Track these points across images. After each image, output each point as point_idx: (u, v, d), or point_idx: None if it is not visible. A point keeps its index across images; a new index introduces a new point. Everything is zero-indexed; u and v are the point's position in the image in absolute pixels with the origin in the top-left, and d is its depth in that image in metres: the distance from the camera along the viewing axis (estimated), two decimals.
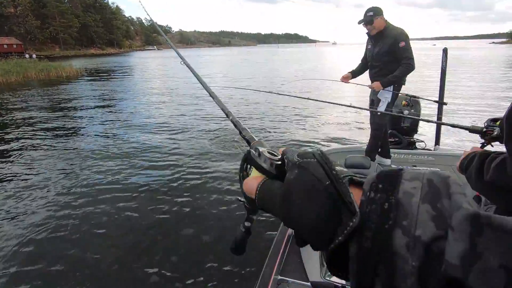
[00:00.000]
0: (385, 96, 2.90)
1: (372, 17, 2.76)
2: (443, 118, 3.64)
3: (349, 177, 0.31)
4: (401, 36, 2.71)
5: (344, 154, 3.27)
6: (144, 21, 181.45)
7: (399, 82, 2.83)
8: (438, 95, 3.47)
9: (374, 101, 3.02)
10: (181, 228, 3.14)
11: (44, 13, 71.88)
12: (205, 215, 3.37)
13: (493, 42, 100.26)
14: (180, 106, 10.07)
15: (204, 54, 69.33)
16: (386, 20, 2.83)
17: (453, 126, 1.52)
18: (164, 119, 8.27)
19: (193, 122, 7.87)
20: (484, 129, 1.25)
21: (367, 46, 3.05)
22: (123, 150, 5.60)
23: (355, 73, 3.16)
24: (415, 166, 2.95)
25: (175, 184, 4.12)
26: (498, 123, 1.22)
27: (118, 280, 2.46)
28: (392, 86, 2.89)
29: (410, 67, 2.71)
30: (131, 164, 4.89)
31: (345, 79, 3.14)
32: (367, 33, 2.93)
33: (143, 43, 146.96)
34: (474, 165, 0.83)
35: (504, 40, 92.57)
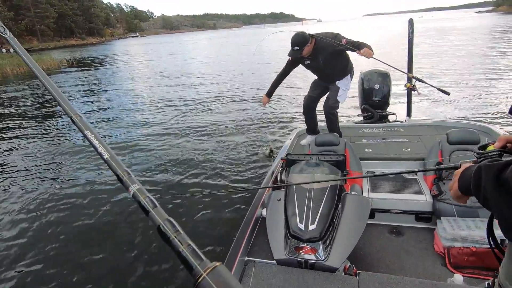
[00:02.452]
0: (345, 83, 2.99)
1: (299, 50, 2.73)
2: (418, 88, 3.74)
3: None
4: (338, 37, 2.72)
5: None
6: (124, 7, 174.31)
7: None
8: (407, 66, 3.55)
9: (328, 89, 3.08)
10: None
11: (17, 3, 68.27)
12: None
13: (479, 11, 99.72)
14: (172, 91, 10.07)
15: (186, 39, 67.50)
16: (313, 36, 2.77)
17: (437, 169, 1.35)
18: (158, 107, 8.29)
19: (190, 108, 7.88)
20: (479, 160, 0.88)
21: (298, 61, 2.97)
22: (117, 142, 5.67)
23: (271, 93, 3.20)
24: (384, 139, 3.10)
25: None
26: (489, 148, 0.88)
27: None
28: (349, 75, 3.00)
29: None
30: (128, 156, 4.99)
31: (265, 103, 3.26)
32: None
33: (125, 30, 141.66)
34: (487, 182, 0.63)
35: (490, 8, 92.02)
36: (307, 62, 2.94)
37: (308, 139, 3.25)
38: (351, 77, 3.06)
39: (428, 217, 2.16)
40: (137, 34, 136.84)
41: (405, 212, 2.17)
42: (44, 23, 73.09)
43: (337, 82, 2.99)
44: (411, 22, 3.41)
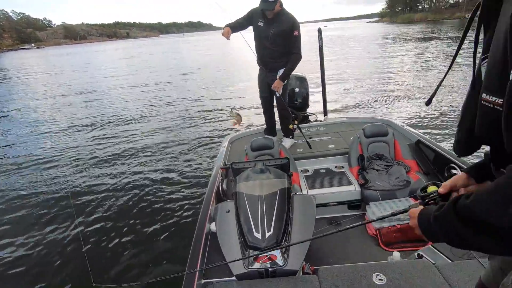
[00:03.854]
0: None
1: (274, 4, 2.67)
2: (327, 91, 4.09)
3: None
4: (296, 25, 2.77)
5: (248, 138, 3.41)
6: (11, 14, 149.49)
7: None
8: (320, 71, 3.85)
9: (270, 84, 3.06)
10: (100, 241, 2.88)
11: None
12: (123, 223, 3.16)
13: (370, 21, 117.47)
14: (77, 116, 8.87)
15: (96, 50, 61.53)
16: (281, 4, 2.80)
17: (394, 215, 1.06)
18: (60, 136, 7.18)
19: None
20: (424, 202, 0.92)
21: (253, 19, 2.88)
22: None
23: (232, 28, 2.97)
24: (311, 138, 3.31)
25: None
26: (429, 189, 0.92)
27: None
28: (283, 69, 2.98)
29: (300, 57, 2.89)
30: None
31: (227, 34, 2.89)
32: (263, 14, 2.79)
33: (15, 41, 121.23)
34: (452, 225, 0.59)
35: (377, 19, 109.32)
36: (261, 23, 2.80)
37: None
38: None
39: (358, 204, 2.39)
40: (33, 45, 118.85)
41: (339, 203, 2.36)
42: None
43: (277, 74, 2.96)
44: (319, 31, 3.67)
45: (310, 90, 4.13)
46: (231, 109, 3.09)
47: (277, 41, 2.82)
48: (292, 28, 2.76)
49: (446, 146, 2.88)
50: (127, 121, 7.31)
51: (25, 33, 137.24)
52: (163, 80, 13.55)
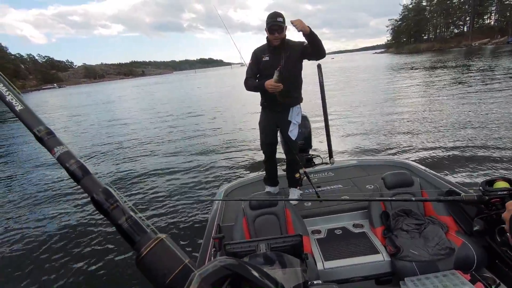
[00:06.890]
0: (296, 118, 2.59)
1: (282, 23, 2.29)
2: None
3: None
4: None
5: (245, 189, 3.00)
6: (37, 57, 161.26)
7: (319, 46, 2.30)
8: (322, 108, 3.41)
9: (281, 126, 2.64)
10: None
11: None
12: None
13: (375, 52, 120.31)
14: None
15: (113, 87, 64.21)
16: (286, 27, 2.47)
17: (440, 201, 1.07)
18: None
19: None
20: (486, 197, 0.96)
21: (257, 58, 2.49)
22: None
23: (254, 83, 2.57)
24: (319, 187, 2.85)
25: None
26: (497, 184, 1.01)
27: None
28: (300, 107, 2.64)
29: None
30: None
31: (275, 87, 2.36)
32: (268, 44, 2.43)
33: (39, 82, 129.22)
34: None
35: (382, 50, 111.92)
36: (266, 58, 2.41)
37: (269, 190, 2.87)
38: (300, 107, 2.63)
39: (389, 278, 1.91)
40: (55, 85, 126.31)
41: (365, 278, 1.88)
42: None
43: (290, 113, 2.52)
44: (319, 67, 3.30)
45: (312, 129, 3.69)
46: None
47: (293, 68, 2.43)
48: (302, 43, 2.38)
49: None
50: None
51: (49, 74, 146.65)
52: (168, 116, 13.62)
